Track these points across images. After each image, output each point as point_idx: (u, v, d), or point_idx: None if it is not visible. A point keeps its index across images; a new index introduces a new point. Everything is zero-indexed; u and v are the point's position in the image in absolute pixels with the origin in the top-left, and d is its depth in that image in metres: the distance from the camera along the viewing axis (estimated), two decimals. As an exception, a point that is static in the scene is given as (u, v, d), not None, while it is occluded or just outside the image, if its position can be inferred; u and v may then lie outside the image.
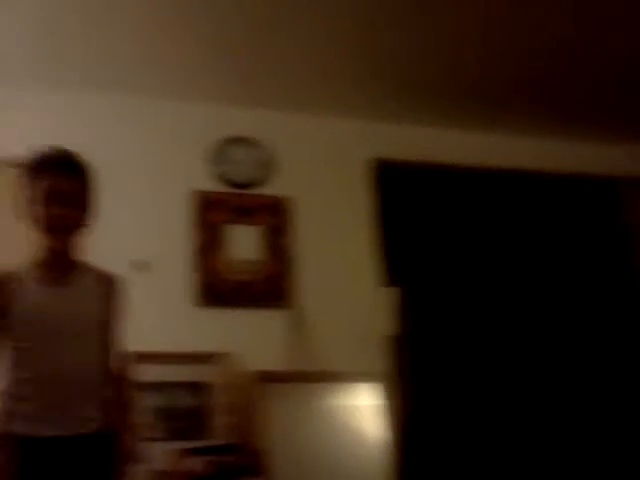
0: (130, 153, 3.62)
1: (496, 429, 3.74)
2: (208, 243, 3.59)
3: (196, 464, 2.85)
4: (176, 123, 3.74)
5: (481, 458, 3.66)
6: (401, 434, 3.41)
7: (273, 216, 3.73)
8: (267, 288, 3.59)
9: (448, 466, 3.51)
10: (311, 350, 3.53)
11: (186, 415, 3.23)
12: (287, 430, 3.20)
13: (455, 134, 4.13)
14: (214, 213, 3.64)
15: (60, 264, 1.95)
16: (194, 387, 3.29)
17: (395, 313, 3.65)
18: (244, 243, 3.65)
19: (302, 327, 3.55)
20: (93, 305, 1.95)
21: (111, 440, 1.90)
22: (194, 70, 3.49)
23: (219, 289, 3.52)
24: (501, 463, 3.67)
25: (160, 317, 3.34)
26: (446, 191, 4.13)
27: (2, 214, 2.65)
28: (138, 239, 3.50)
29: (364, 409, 3.39)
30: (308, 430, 3.24)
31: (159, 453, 2.90)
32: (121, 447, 1.91)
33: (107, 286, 2.03)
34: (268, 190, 3.78)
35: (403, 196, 4.03)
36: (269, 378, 3.32)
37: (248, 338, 3.46)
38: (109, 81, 3.53)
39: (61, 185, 1.89)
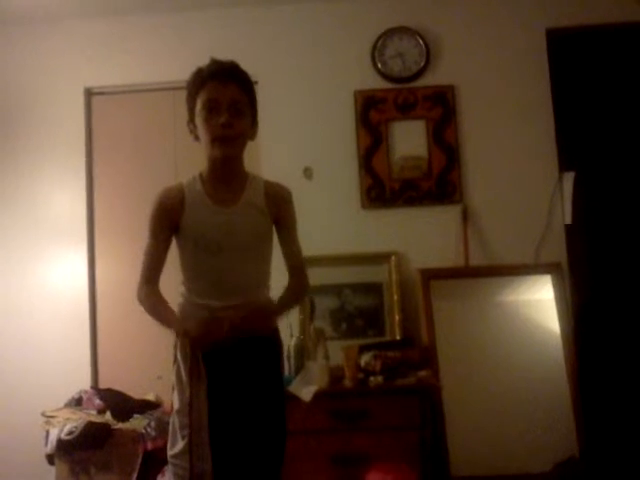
0: (291, 61, 3.70)
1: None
2: (372, 143, 3.63)
3: (367, 360, 3.11)
4: (332, 24, 3.72)
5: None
6: (576, 327, 3.37)
7: (436, 107, 3.64)
8: (433, 184, 3.59)
9: (625, 358, 3.43)
10: (480, 244, 3.55)
11: (359, 314, 3.49)
12: (456, 326, 3.33)
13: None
14: (377, 112, 3.64)
15: (228, 175, 1.97)
16: (365, 287, 3.51)
17: (570, 200, 3.50)
18: (408, 140, 3.64)
19: (471, 221, 3.55)
20: (261, 221, 1.99)
21: (275, 342, 2.06)
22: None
23: (385, 189, 3.60)
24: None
25: (328, 221, 3.55)
26: (629, 57, 3.68)
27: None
28: (304, 145, 3.65)
29: (535, 303, 3.39)
30: (477, 326, 3.33)
31: (337, 351, 3.19)
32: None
33: (277, 200, 2.03)
34: (429, 81, 3.67)
35: (577, 69, 3.67)
36: (438, 275, 3.43)
37: (416, 236, 3.55)
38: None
39: (224, 93, 1.90)
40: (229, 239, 1.95)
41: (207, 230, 1.95)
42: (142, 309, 1.99)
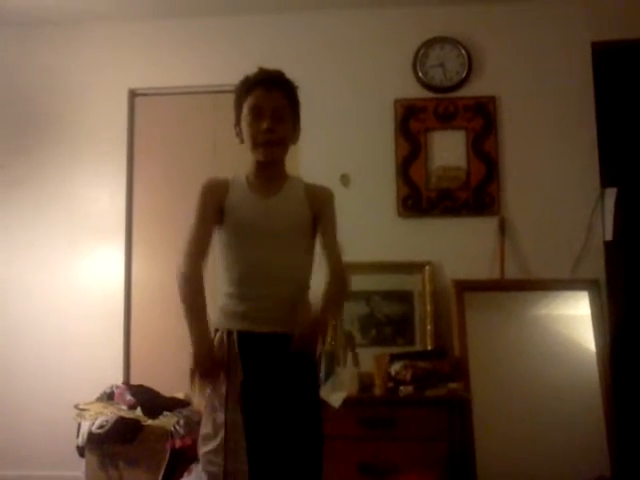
0: (332, 67, 3.73)
1: None
2: (411, 152, 3.62)
3: (397, 369, 3.09)
4: (375, 32, 3.73)
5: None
6: (612, 344, 3.31)
7: (477, 118, 3.62)
8: (471, 195, 3.57)
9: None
10: (517, 257, 3.50)
11: (390, 323, 3.47)
12: (489, 339, 3.29)
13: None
14: (417, 121, 3.64)
15: (271, 177, 2.06)
16: (398, 296, 3.49)
17: (611, 216, 3.44)
18: (447, 150, 3.63)
19: (508, 234, 3.51)
20: (300, 211, 2.03)
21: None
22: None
23: (422, 198, 3.58)
24: None
25: (364, 228, 3.53)
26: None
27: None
28: (342, 152, 3.66)
29: (571, 319, 3.33)
30: (511, 339, 3.28)
31: (365, 358, 3.18)
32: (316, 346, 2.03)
33: (317, 197, 2.07)
34: (470, 91, 3.66)
35: (622, 83, 3.61)
36: (472, 287, 3.40)
37: (452, 247, 3.53)
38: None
39: (268, 100, 1.99)
40: (267, 225, 1.99)
41: (246, 215, 2.00)
42: (177, 288, 1.95)
